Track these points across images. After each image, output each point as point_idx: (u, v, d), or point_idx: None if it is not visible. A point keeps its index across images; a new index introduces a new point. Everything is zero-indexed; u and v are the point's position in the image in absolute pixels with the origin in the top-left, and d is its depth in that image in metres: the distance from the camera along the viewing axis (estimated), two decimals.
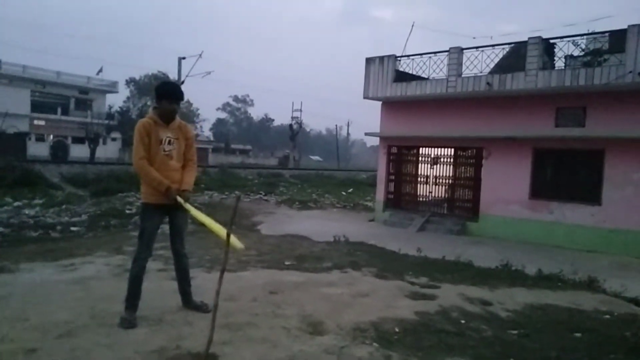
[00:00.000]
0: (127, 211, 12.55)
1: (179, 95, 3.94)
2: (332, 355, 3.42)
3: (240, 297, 4.61)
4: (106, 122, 42.43)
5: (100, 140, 39.51)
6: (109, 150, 42.42)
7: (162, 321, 3.84)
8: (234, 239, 3.11)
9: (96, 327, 3.66)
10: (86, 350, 3.23)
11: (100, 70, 44.99)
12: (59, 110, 42.40)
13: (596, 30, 10.88)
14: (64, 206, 13.39)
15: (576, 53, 11.09)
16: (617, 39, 10.00)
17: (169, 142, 3.87)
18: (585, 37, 11.18)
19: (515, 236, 11.09)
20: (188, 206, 3.81)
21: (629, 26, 9.55)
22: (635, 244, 9.65)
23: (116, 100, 49.07)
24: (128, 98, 50.95)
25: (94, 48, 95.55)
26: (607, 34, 10.66)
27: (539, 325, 4.46)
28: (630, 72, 9.29)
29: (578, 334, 4.24)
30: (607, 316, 5.01)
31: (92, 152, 36.55)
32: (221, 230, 3.28)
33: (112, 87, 47.79)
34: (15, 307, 4.04)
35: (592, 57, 10.52)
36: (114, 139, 44.41)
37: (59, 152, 39.35)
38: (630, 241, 9.75)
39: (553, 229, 10.76)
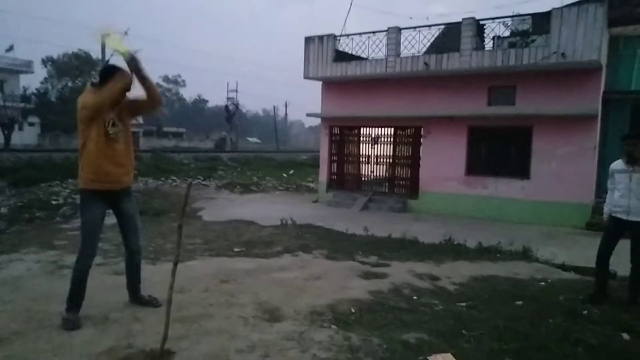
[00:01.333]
0: (54, 202, 11.61)
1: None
2: (293, 341, 3.38)
3: (192, 288, 4.44)
4: (22, 105, 38.90)
5: (16, 126, 36.20)
6: (26, 136, 39.02)
7: (108, 319, 3.60)
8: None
9: (34, 330, 3.35)
10: (25, 357, 2.95)
11: (11, 48, 40.87)
12: None
13: (522, 13, 11.46)
14: None
15: (506, 34, 11.60)
16: (543, 21, 10.57)
17: (113, 124, 3.56)
18: (513, 18, 11.72)
19: (454, 211, 11.60)
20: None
21: (552, 9, 10.10)
22: (561, 214, 10.42)
23: (32, 82, 45.10)
24: (46, 79, 46.90)
25: (2, 22, 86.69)
26: (531, 17, 11.26)
27: (484, 296, 4.69)
28: (555, 52, 9.87)
29: (519, 302, 4.51)
30: (543, 283, 5.38)
31: (7, 139, 33.46)
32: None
33: (26, 67, 43.61)
34: None
35: (520, 38, 11.07)
36: (31, 124, 40.90)
37: None
38: (556, 212, 10.51)
39: (488, 203, 11.36)
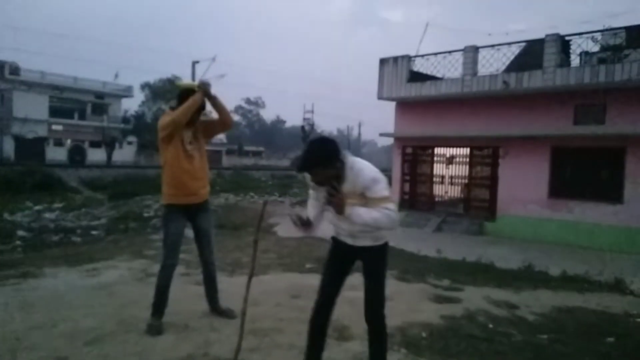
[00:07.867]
0: (145, 214, 12.64)
1: None
2: None
3: (264, 302, 4.59)
4: (122, 126, 42.89)
5: (117, 144, 39.96)
6: (125, 153, 42.87)
7: (188, 327, 3.83)
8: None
9: (123, 333, 3.66)
10: (116, 357, 3.24)
11: (117, 75, 45.46)
12: (76, 115, 42.92)
13: (613, 26, 10.70)
14: (83, 210, 13.56)
15: (595, 49, 10.89)
16: (637, 34, 9.80)
17: (190, 142, 3.86)
18: (603, 33, 10.98)
19: (535, 236, 10.93)
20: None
21: None
22: None
23: (131, 105, 49.52)
24: (143, 102, 51.32)
25: (109, 53, 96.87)
26: (625, 30, 10.47)
27: (569, 330, 4.37)
28: None
29: (611, 339, 4.14)
30: (639, 319, 4.89)
31: (109, 156, 37.05)
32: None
33: (127, 92, 48.15)
34: (42, 313, 4.07)
35: (612, 53, 10.32)
36: (129, 143, 44.84)
37: (76, 157, 39.87)
38: None
39: (574, 228, 10.58)
